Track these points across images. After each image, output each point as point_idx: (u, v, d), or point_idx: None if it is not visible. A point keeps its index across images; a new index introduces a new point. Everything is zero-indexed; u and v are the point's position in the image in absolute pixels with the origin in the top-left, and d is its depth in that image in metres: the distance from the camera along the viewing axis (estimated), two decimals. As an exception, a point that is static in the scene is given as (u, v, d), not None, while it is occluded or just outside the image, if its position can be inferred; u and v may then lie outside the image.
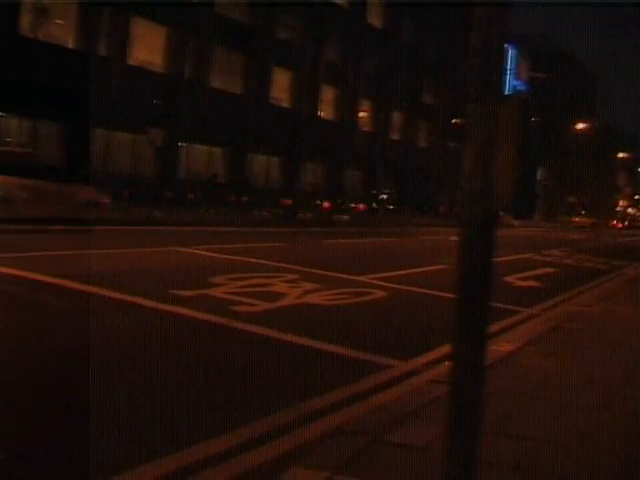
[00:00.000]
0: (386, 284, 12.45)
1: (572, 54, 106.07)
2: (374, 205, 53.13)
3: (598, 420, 5.14)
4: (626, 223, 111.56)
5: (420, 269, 15.89)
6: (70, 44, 32.59)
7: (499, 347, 7.23)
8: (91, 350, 6.24)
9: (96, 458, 4.03)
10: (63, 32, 32.38)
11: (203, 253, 15.22)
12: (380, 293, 11.43)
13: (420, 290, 12.25)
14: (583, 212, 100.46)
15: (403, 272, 14.75)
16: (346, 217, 42.35)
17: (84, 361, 6.04)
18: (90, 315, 7.93)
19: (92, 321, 7.59)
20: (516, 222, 60.97)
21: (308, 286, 11.23)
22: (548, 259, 23.17)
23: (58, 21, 32.07)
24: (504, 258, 18.89)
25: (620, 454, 4.50)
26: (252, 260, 14.52)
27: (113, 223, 20.29)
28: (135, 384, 5.49)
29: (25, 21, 30.32)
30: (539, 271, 18.10)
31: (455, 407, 2.93)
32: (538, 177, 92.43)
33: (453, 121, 58.16)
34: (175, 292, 9.56)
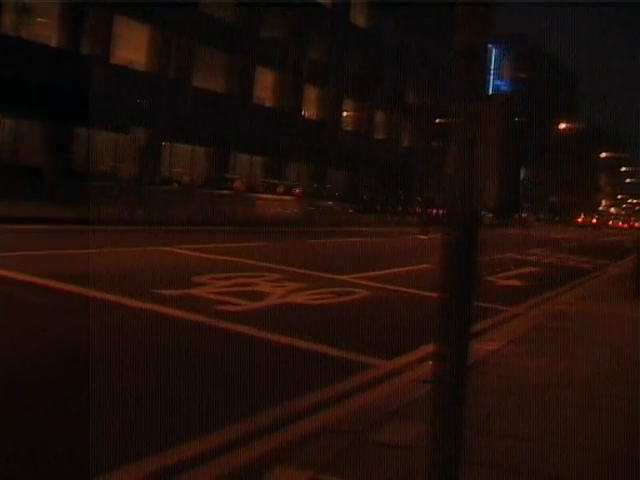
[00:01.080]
0: (370, 283, 12.47)
1: (557, 54, 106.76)
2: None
3: (583, 418, 5.17)
4: (632, 223, 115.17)
5: (404, 268, 15.92)
6: (53, 43, 32.43)
7: (483, 346, 7.26)
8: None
9: (81, 458, 4.02)
10: (46, 30, 32.21)
11: (188, 253, 15.18)
12: (364, 292, 11.44)
13: (404, 289, 12.27)
14: (582, 215, 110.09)
15: (387, 271, 14.78)
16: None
17: (71, 359, 6.04)
18: (77, 315, 7.92)
19: (78, 320, 7.57)
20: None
21: (292, 286, 11.23)
22: (531, 258, 23.26)
23: (41, 19, 31.89)
24: (495, 257, 18.98)
25: (606, 451, 4.53)
26: (237, 259, 14.50)
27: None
28: (120, 383, 5.46)
29: (7, 19, 30.14)
30: (523, 270, 18.17)
31: (439, 406, 2.93)
32: (522, 177, 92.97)
33: (437, 121, 58.24)
34: (159, 292, 9.53)
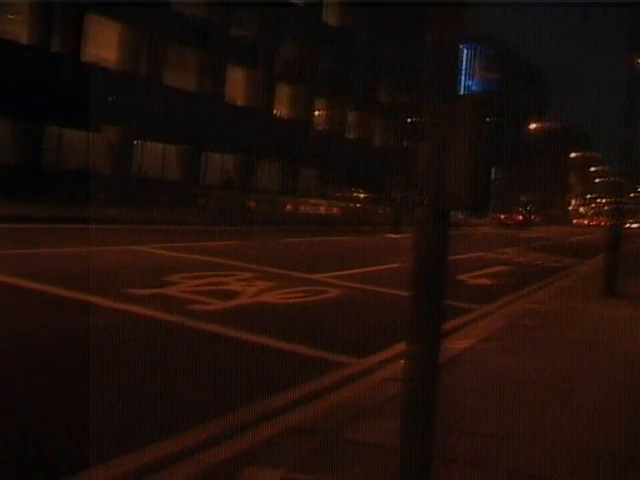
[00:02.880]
0: (341, 282, 12.48)
1: (527, 55, 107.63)
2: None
3: (554, 415, 5.21)
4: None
5: (375, 267, 15.95)
6: (24, 40, 32.06)
7: (454, 344, 7.29)
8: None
9: (50, 458, 3.98)
10: (16, 28, 31.85)
11: (159, 252, 15.08)
12: (335, 291, 11.44)
13: (375, 288, 12.28)
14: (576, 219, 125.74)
15: (358, 270, 14.79)
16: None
17: (33, 360, 6.00)
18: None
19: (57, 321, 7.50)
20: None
21: (263, 285, 11.21)
22: (503, 257, 23.41)
23: (10, 16, 31.56)
24: (463, 256, 19.08)
25: (580, 447, 4.57)
26: (208, 259, 14.45)
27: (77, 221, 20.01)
28: (91, 382, 5.42)
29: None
30: (494, 269, 18.27)
31: (411, 404, 2.95)
32: (494, 177, 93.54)
33: (409, 120, 58.38)
34: (130, 291, 9.47)
